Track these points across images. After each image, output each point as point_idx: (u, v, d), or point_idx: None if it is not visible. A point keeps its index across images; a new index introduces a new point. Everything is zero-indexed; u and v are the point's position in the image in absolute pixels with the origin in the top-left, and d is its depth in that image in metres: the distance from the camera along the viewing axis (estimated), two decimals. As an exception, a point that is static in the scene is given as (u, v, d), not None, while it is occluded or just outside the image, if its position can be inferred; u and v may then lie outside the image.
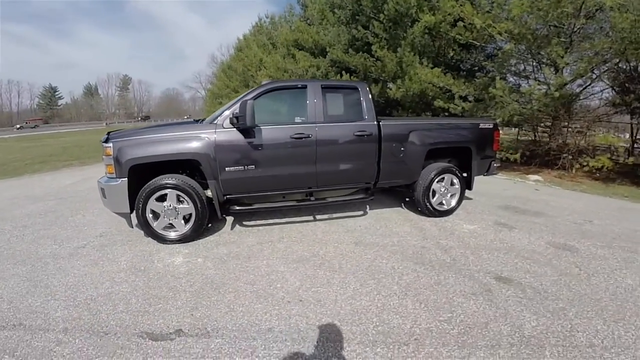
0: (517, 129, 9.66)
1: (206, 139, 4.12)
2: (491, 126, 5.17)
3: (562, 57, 6.59)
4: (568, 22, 6.96)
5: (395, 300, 3.03)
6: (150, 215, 4.16)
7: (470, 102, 8.57)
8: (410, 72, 9.13)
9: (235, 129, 4.17)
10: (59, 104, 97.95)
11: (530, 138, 9.31)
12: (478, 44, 8.25)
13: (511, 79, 8.94)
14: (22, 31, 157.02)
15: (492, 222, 4.90)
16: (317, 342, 2.51)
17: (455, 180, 5.02)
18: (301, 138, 4.31)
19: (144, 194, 4.06)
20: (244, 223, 4.95)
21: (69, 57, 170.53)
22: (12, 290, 3.29)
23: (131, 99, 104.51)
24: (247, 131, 4.19)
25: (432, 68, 8.98)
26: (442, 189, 4.98)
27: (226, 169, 4.18)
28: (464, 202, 5.80)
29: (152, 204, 4.13)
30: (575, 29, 7.12)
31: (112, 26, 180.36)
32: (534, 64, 8.09)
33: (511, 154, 8.06)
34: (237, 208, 4.44)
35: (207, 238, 4.45)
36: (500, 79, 7.61)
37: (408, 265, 3.66)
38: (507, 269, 3.55)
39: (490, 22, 7.13)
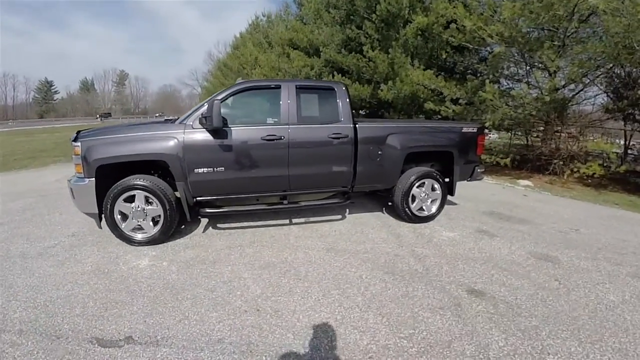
0: (509, 133, 9.36)
1: (174, 139, 3.92)
2: (475, 130, 4.93)
3: (553, 61, 6.32)
4: (560, 25, 6.69)
5: (357, 313, 2.82)
6: (119, 217, 3.98)
7: (460, 105, 8.31)
8: (401, 74, 8.89)
9: (204, 129, 3.96)
10: (55, 98, 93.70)
11: (523, 142, 9.03)
12: (471, 46, 7.99)
13: (504, 82, 8.70)
14: (16, 22, 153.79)
15: (474, 230, 4.66)
16: (265, 356, 2.32)
17: (437, 186, 4.79)
18: (273, 140, 4.10)
19: (111, 195, 3.88)
20: (218, 226, 4.74)
21: (65, 49, 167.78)
22: None
23: (128, 95, 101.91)
24: (216, 132, 3.98)
25: (424, 70, 8.74)
26: (422, 194, 4.74)
27: (195, 170, 3.98)
28: (447, 207, 5.59)
29: (120, 205, 3.95)
30: (568, 33, 6.84)
31: (109, 18, 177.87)
32: (527, 67, 7.81)
33: (501, 158, 7.80)
34: (208, 211, 4.23)
35: (177, 240, 4.25)
36: (491, 82, 7.35)
37: (377, 275, 3.44)
38: (482, 281, 3.33)
39: (481, 25, 6.87)
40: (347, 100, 4.44)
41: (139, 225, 4.03)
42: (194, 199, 4.16)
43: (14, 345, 2.43)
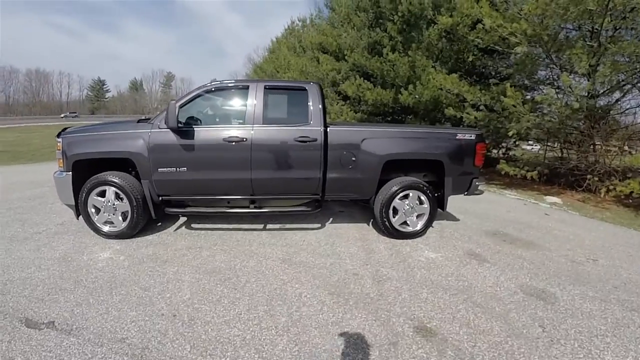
0: (542, 144, 8.01)
1: (141, 138, 3.81)
2: (472, 137, 4.13)
3: (582, 62, 5.14)
4: (592, 22, 5.45)
5: (270, 336, 2.38)
6: (93, 210, 3.96)
7: (481, 111, 7.26)
8: (422, 77, 8.03)
9: (169, 129, 3.75)
10: (106, 96, 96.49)
11: (557, 154, 7.66)
12: (500, 48, 6.92)
13: (534, 87, 7.42)
14: (71, 24, 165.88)
15: (464, 252, 3.88)
16: None
17: (424, 198, 4.06)
18: (235, 141, 3.75)
19: (85, 189, 3.87)
20: (192, 225, 4.47)
21: (116, 51, 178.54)
22: None
23: (173, 95, 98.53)
24: (180, 132, 3.77)
25: (448, 74, 7.80)
26: (406, 207, 4.05)
27: (159, 169, 3.81)
28: (446, 223, 4.83)
29: (93, 198, 3.92)
30: (603, 31, 5.54)
31: (158, 21, 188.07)
32: (556, 71, 6.55)
33: (527, 171, 6.64)
34: (172, 210, 4.00)
35: (145, 237, 4.09)
36: (514, 86, 6.25)
37: (319, 295, 2.92)
38: (441, 317, 2.64)
39: (501, 22, 5.86)
40: (319, 101, 3.94)
41: (110, 219, 3.96)
42: (159, 197, 3.94)
43: None
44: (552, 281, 3.27)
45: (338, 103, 11.52)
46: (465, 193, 4.32)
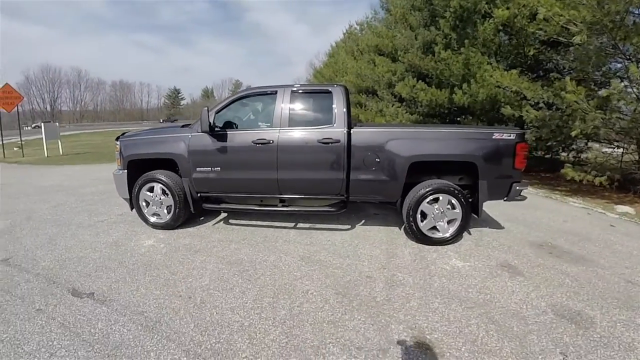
0: (617, 146, 6.74)
1: (183, 141, 4.17)
2: (512, 137, 3.69)
3: None
4: None
5: (264, 326, 2.47)
6: (143, 203, 4.42)
7: (540, 109, 6.37)
8: (477, 75, 7.36)
9: (205, 133, 4.05)
10: (182, 104, 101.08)
11: (635, 158, 6.39)
12: (564, 39, 6.03)
13: (603, 82, 6.24)
14: (152, 40, 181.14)
15: (497, 263, 3.50)
16: (157, 336, 2.37)
17: (455, 203, 3.75)
18: (262, 143, 3.91)
19: (138, 184, 4.34)
20: (230, 221, 4.74)
21: (190, 64, 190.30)
22: (34, 241, 4.10)
23: None
24: (214, 136, 4.06)
25: (507, 70, 7.04)
26: (436, 212, 3.78)
27: (197, 169, 4.15)
28: (487, 231, 4.44)
29: (144, 193, 4.38)
30: None
31: (226, 35, 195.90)
32: (626, 62, 5.42)
33: (595, 176, 5.69)
34: (207, 206, 4.31)
35: (187, 229, 4.46)
36: (575, 80, 5.34)
37: (325, 294, 2.91)
38: (445, 331, 2.44)
39: (557, 9, 5.06)
40: (344, 103, 3.88)
41: (157, 212, 4.39)
42: (198, 194, 4.25)
43: (26, 280, 3.14)
44: (594, 303, 2.79)
45: (394, 105, 11.17)
46: (505, 199, 3.90)
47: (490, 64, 7.42)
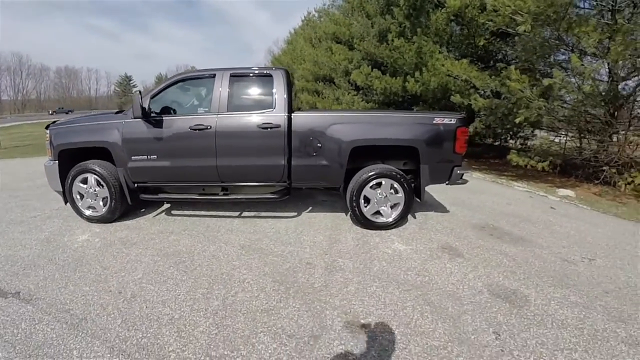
0: (558, 133, 7.05)
1: (116, 129, 3.81)
2: (452, 121, 3.66)
3: (590, 39, 4.33)
4: None
5: (194, 318, 2.31)
6: (77, 196, 4.03)
7: (488, 97, 6.54)
8: (429, 64, 7.41)
9: (140, 120, 3.71)
10: (133, 91, 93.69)
11: (576, 144, 6.73)
12: (512, 30, 6.15)
13: (549, 72, 6.48)
14: (102, 24, 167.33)
15: (438, 245, 3.48)
16: (81, 334, 2.22)
17: (398, 187, 3.69)
18: (200, 129, 3.63)
19: (70, 176, 3.96)
20: (172, 212, 4.41)
21: (145, 49, 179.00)
22: None
23: None
24: (149, 122, 3.72)
25: (458, 59, 7.13)
26: (379, 196, 3.70)
27: (132, 157, 3.80)
28: (432, 214, 4.43)
29: (77, 185, 3.99)
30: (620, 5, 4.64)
31: (186, 21, 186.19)
32: (569, 52, 5.62)
33: (538, 161, 5.90)
34: (145, 196, 3.97)
35: (125, 221, 4.10)
36: (520, 70, 5.49)
37: (262, 282, 2.75)
38: (380, 314, 2.34)
39: (505, 0, 5.13)
40: (285, 87, 3.68)
41: (92, 204, 4.02)
42: (135, 184, 3.92)
43: None
44: (529, 282, 2.81)
45: (350, 93, 11.10)
46: (447, 182, 3.89)
47: (442, 53, 7.48)
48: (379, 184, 3.68)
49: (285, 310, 2.37)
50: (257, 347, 2.02)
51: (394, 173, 3.64)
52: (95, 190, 3.93)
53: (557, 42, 5.53)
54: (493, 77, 6.47)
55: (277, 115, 3.59)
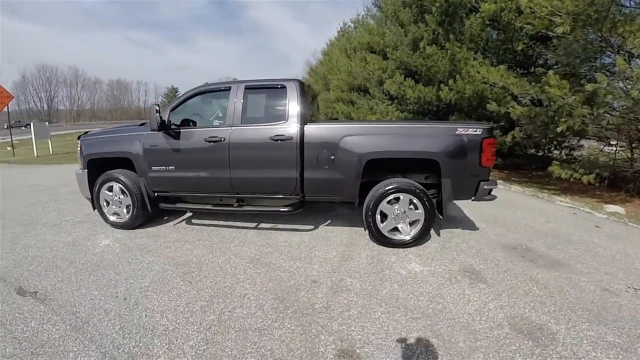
0: (608, 143, 6.21)
1: (138, 140, 3.97)
2: (478, 132, 3.33)
3: (636, 39, 3.73)
4: None
5: (188, 331, 2.27)
6: (104, 203, 4.23)
7: (526, 106, 5.93)
8: (462, 71, 6.96)
9: (159, 132, 3.83)
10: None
11: (627, 155, 5.88)
12: (553, 34, 5.56)
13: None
14: (148, 38, 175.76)
15: (460, 267, 3.16)
16: (84, 336, 2.29)
17: (418, 203, 3.42)
18: (215, 141, 3.66)
19: (97, 184, 4.15)
20: (192, 221, 4.47)
21: (187, 61, 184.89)
22: None
23: None
24: (168, 134, 3.83)
25: (495, 66, 6.62)
26: (397, 212, 3.46)
27: (152, 167, 3.93)
28: (460, 232, 4.12)
29: (104, 192, 4.18)
30: None
31: (225, 33, 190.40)
32: (615, 54, 4.92)
33: (583, 174, 5.25)
34: (164, 205, 4.07)
35: (146, 228, 4.24)
36: (563, 75, 4.91)
37: (263, 299, 2.65)
38: (379, 344, 2.13)
39: (539, 0, 4.62)
40: (298, 98, 3.59)
41: (117, 211, 4.19)
42: (155, 193, 4.04)
43: None
44: (560, 315, 2.44)
45: (384, 103, 10.81)
46: (473, 198, 3.55)
47: (477, 59, 7.02)
48: (397, 199, 3.44)
49: (279, 331, 2.24)
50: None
51: (412, 188, 3.39)
52: (119, 198, 4.10)
53: (601, 44, 4.91)
54: (533, 83, 5.92)
55: (289, 127, 3.51)
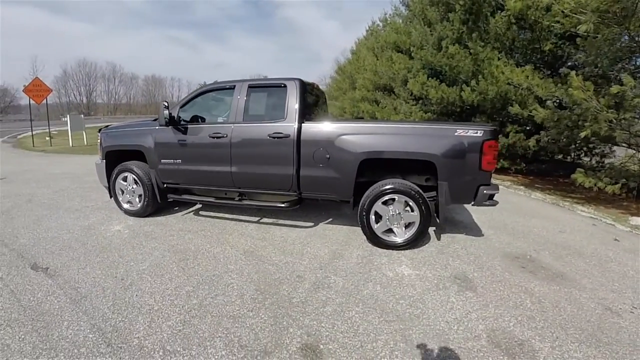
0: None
1: (150, 134, 4.19)
2: (478, 134, 3.18)
3: None
4: None
5: (169, 313, 2.41)
6: (119, 191, 4.51)
7: (549, 109, 5.50)
8: (485, 71, 6.61)
9: (169, 127, 4.05)
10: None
11: None
12: (582, 33, 5.13)
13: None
14: (184, 36, 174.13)
15: (451, 274, 3.04)
16: (88, 310, 2.48)
17: (413, 205, 3.33)
18: (218, 137, 3.81)
19: (113, 174, 4.43)
20: (200, 212, 4.65)
21: (221, 59, 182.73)
22: (23, 221, 4.28)
23: None
24: (177, 129, 4.03)
25: (520, 66, 6.23)
26: (392, 213, 3.39)
27: (162, 160, 4.14)
28: (460, 237, 3.98)
29: (119, 182, 4.46)
30: None
31: (258, 32, 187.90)
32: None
33: (608, 183, 4.82)
34: (172, 196, 4.28)
35: (156, 217, 4.47)
36: (580, 74, 4.49)
37: (245, 289, 2.74)
38: (344, 343, 2.12)
39: None
40: (298, 97, 3.61)
41: (130, 200, 4.46)
42: (164, 185, 4.24)
43: (1, 254, 3.34)
44: (547, 332, 2.28)
45: (408, 103, 10.55)
46: (473, 203, 3.40)
47: (501, 59, 6.65)
48: (392, 200, 3.38)
49: (252, 320, 2.31)
50: (208, 351, 2.03)
51: (408, 189, 3.30)
52: (132, 188, 4.35)
53: (631, 43, 4.46)
54: (559, 85, 5.52)
55: (287, 125, 3.56)
